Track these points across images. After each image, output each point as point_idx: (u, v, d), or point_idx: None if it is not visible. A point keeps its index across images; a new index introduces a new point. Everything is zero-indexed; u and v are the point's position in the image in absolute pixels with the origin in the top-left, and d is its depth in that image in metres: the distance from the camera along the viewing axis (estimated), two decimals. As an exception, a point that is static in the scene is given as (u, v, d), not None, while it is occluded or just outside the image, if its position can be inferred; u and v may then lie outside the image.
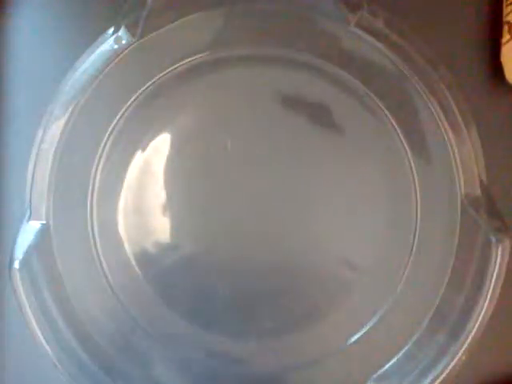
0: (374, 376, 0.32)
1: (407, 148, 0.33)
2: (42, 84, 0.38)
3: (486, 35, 0.37)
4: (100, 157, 0.34)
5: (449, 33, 0.36)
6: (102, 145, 0.34)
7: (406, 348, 0.32)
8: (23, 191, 0.35)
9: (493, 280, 0.29)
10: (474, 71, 0.36)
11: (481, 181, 0.32)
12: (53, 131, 0.32)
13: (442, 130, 0.32)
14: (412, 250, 0.34)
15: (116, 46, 0.32)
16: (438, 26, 0.35)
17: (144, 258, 0.35)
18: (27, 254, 0.31)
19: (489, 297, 0.29)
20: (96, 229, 0.34)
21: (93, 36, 0.33)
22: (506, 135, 0.36)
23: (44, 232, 0.32)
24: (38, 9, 0.38)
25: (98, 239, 0.34)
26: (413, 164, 0.33)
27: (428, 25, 0.35)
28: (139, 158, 0.35)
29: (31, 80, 0.38)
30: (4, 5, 0.38)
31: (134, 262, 0.35)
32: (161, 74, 0.34)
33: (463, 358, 0.30)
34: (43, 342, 0.31)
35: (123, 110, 0.34)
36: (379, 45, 0.32)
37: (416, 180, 0.33)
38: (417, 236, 0.34)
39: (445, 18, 0.37)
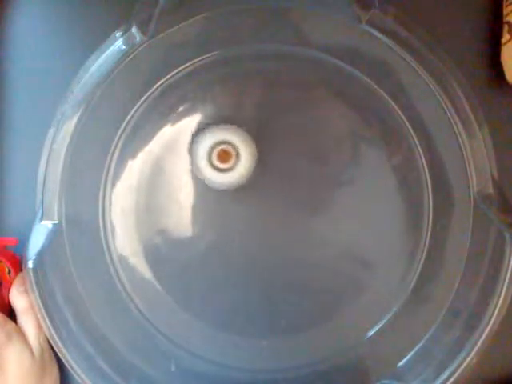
0: (390, 373, 0.33)
1: (419, 146, 0.34)
2: (47, 84, 0.37)
3: (486, 35, 0.37)
4: (112, 156, 0.34)
5: (449, 33, 0.36)
6: (114, 144, 0.34)
7: (422, 343, 0.32)
8: (24, 192, 0.35)
9: (507, 275, 0.29)
10: (474, 71, 0.37)
11: (493, 178, 0.32)
12: (64, 131, 0.32)
13: (455, 127, 0.32)
14: (425, 246, 0.34)
15: (127, 46, 0.32)
16: (438, 26, 0.36)
17: (156, 257, 0.35)
18: (40, 253, 0.31)
19: (503, 292, 0.29)
20: (108, 228, 0.34)
21: (98, 36, 0.33)
22: (506, 134, 0.37)
23: (56, 232, 0.32)
24: (43, 8, 0.38)
25: (110, 238, 0.34)
26: (425, 161, 0.34)
27: (428, 25, 0.35)
28: (151, 156, 0.34)
29: (35, 80, 0.38)
30: (7, 5, 0.38)
31: (145, 261, 0.35)
32: (172, 73, 0.34)
33: (474, 360, 0.30)
34: (56, 340, 0.31)
35: (135, 109, 0.34)
36: (390, 42, 0.32)
37: (428, 177, 0.34)
38: (429, 233, 0.34)
39: (445, 18, 0.37)
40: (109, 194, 0.34)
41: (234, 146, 0.33)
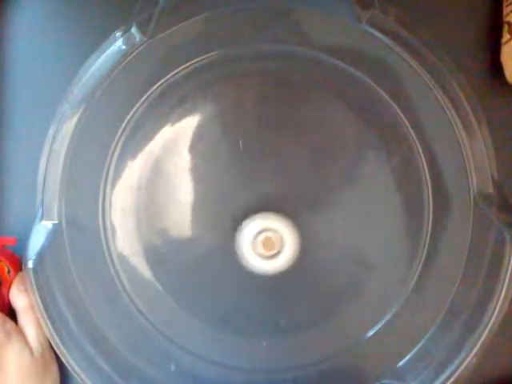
0: (390, 373, 0.33)
1: (419, 146, 0.34)
2: (47, 84, 0.38)
3: (486, 35, 0.37)
4: (112, 156, 0.34)
5: (449, 33, 0.36)
6: (114, 144, 0.34)
7: (421, 344, 0.32)
8: (24, 192, 0.35)
9: (507, 275, 0.29)
10: (474, 71, 0.37)
11: (493, 178, 0.32)
12: (64, 131, 0.32)
13: (454, 127, 0.32)
14: (425, 246, 0.34)
15: (127, 46, 0.32)
16: (438, 26, 0.36)
17: (156, 257, 0.35)
18: (40, 253, 0.31)
19: (503, 292, 0.29)
20: (108, 228, 0.34)
21: (98, 36, 0.33)
22: (506, 134, 0.37)
23: (56, 232, 0.32)
24: (43, 8, 0.38)
25: (110, 239, 0.34)
26: (425, 161, 0.34)
27: (428, 25, 0.35)
28: (151, 156, 0.34)
29: (35, 80, 0.38)
30: (7, 5, 0.38)
31: (145, 261, 0.35)
32: (172, 73, 0.34)
33: (474, 360, 0.30)
34: (56, 340, 0.31)
35: (135, 109, 0.34)
36: (390, 42, 0.32)
37: (428, 177, 0.34)
38: (429, 233, 0.34)
39: (445, 18, 0.37)
40: (109, 194, 0.34)
41: (278, 233, 0.33)
